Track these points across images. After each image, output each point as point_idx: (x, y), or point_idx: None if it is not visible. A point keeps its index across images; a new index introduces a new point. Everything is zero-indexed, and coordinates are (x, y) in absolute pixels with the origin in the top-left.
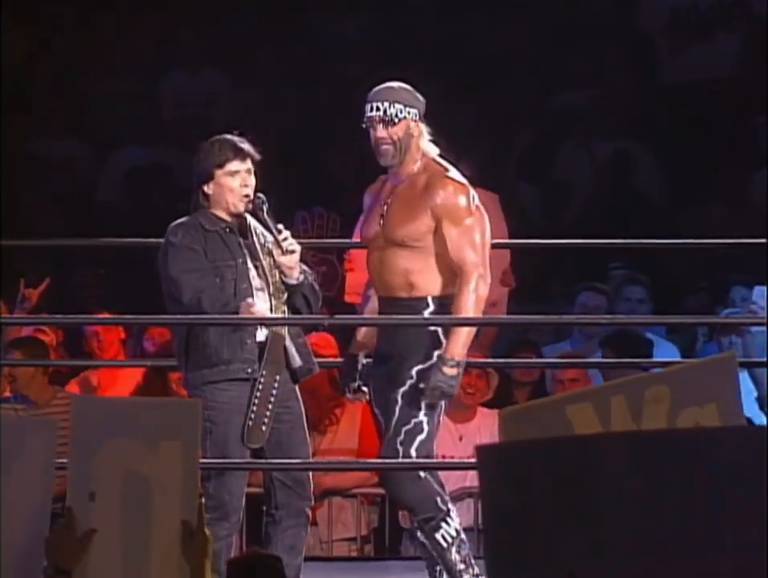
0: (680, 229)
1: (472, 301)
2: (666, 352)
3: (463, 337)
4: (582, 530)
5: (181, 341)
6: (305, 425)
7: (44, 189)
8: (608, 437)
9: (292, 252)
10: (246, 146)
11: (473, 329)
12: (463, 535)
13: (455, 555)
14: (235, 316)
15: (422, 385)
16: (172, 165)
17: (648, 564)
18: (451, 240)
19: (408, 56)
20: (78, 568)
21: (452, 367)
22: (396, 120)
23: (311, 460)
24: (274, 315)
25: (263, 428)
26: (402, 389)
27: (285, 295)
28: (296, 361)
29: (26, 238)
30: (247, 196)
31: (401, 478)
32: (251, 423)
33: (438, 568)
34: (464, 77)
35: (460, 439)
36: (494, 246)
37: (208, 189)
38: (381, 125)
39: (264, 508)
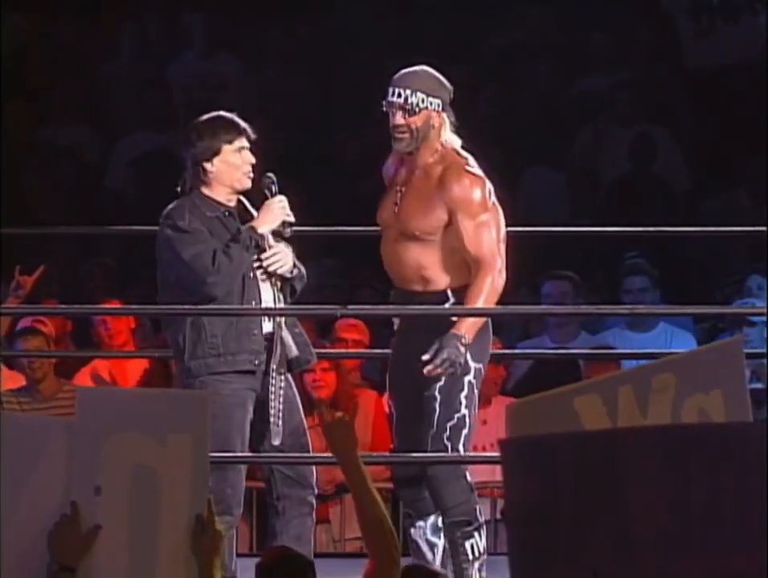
0: (702, 217)
1: (487, 292)
2: (683, 342)
3: (477, 322)
4: (608, 526)
5: (178, 328)
6: (302, 413)
7: (52, 177)
8: (635, 432)
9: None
10: (245, 124)
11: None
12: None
13: (475, 573)
14: (241, 307)
15: (427, 355)
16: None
17: (674, 562)
18: (468, 234)
19: (424, 41)
20: (82, 565)
21: (464, 345)
22: (417, 110)
23: (322, 454)
24: (282, 305)
25: (279, 424)
26: (438, 384)
27: (279, 284)
28: (293, 351)
29: (32, 226)
30: (250, 172)
31: (447, 476)
32: (272, 420)
33: None
34: (483, 62)
35: (484, 423)
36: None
37: (211, 166)
38: (400, 112)
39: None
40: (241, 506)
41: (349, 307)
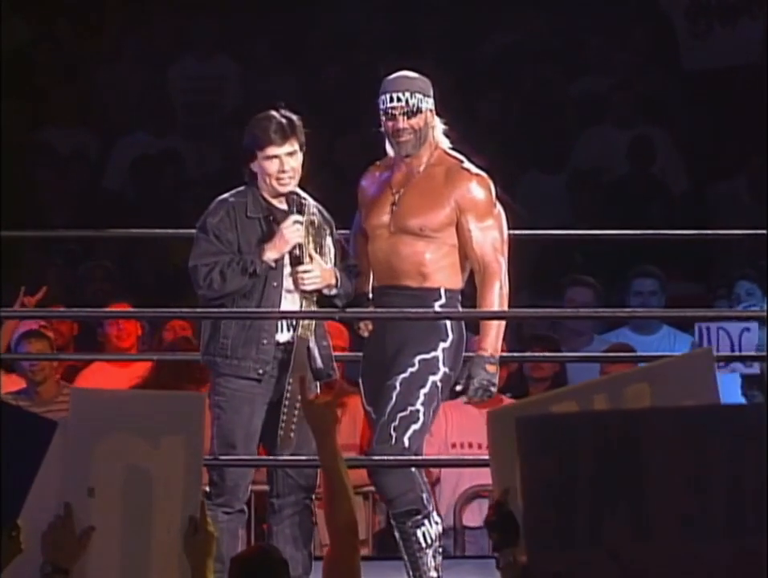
0: (701, 218)
1: (500, 297)
2: (686, 344)
3: (500, 333)
4: (627, 508)
5: (205, 326)
6: None
7: (51, 178)
8: (654, 412)
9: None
10: (289, 128)
11: (503, 325)
12: (440, 544)
13: (430, 560)
14: (249, 310)
15: (460, 386)
16: (181, 153)
17: (694, 545)
18: (476, 235)
19: (421, 43)
20: (76, 567)
21: (493, 364)
22: (417, 111)
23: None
24: (288, 309)
25: (292, 435)
26: (402, 376)
27: (315, 296)
28: (317, 363)
29: (31, 228)
30: (286, 179)
31: (389, 467)
32: (281, 432)
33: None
34: (482, 65)
35: None
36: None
37: (254, 166)
38: (402, 117)
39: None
40: (243, 503)
41: (348, 310)
